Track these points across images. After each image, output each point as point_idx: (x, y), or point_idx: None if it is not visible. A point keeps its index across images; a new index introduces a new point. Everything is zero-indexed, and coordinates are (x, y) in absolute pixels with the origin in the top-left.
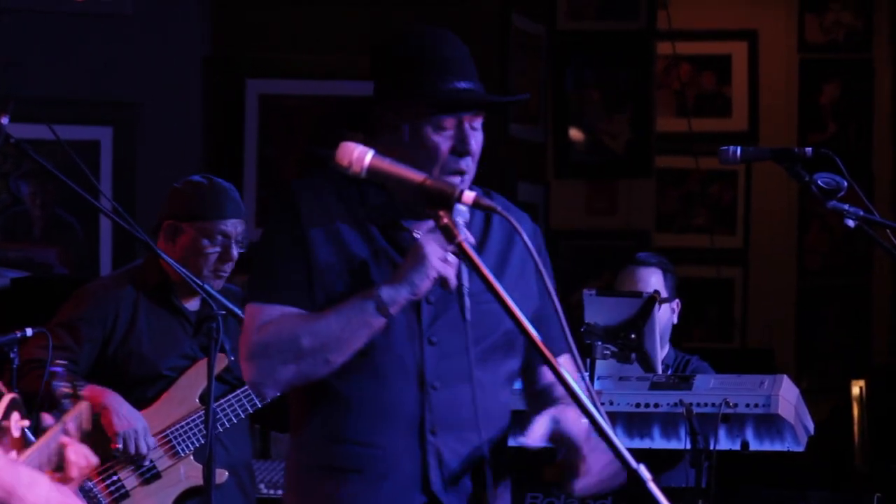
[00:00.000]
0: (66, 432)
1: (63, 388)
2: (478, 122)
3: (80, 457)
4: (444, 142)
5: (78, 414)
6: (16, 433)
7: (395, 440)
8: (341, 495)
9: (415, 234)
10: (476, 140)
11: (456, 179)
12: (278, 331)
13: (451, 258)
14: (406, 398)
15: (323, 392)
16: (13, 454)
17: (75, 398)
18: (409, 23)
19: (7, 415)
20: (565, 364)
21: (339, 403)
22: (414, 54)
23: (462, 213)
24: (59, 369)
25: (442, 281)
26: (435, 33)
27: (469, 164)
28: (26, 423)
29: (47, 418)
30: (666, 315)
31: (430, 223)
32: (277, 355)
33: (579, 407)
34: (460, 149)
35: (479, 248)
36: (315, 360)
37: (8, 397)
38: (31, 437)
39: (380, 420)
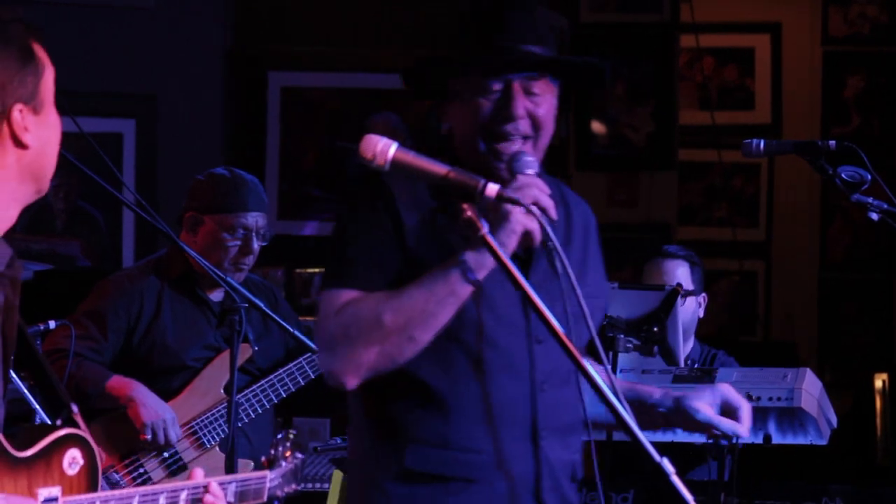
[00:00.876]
0: (208, 490)
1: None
2: (539, 87)
3: None
4: (487, 104)
5: (242, 483)
6: (70, 470)
7: (508, 446)
8: None
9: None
10: (534, 105)
11: (507, 146)
12: (357, 311)
13: (535, 210)
14: (518, 401)
15: (422, 393)
16: (52, 490)
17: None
18: None
19: (58, 446)
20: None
21: (442, 406)
22: (474, 16)
23: (530, 164)
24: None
25: (527, 236)
26: None
27: (520, 129)
28: (82, 461)
29: (197, 472)
30: (691, 308)
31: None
32: (359, 337)
33: (602, 400)
34: (504, 112)
35: (566, 237)
36: (400, 338)
37: (65, 431)
38: (104, 483)
39: (491, 424)
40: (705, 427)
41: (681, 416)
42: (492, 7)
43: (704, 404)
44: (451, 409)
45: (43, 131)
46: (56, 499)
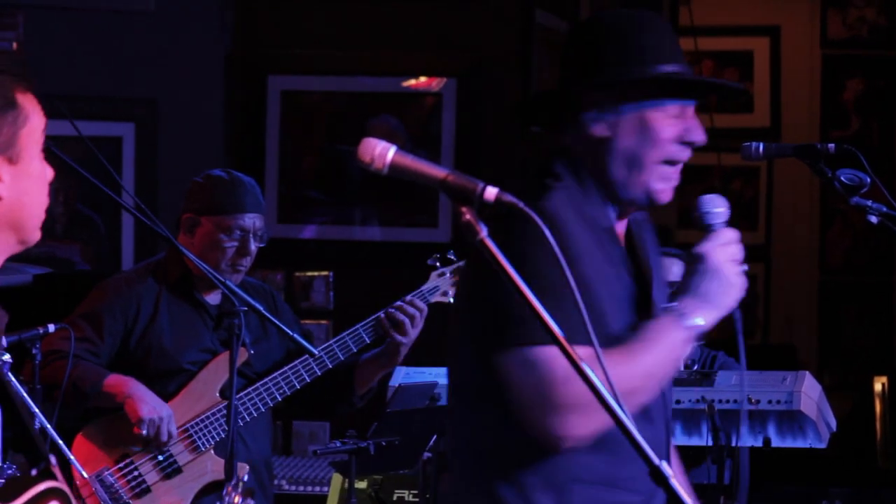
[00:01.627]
0: None
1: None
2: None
3: None
4: (671, 128)
5: None
6: None
7: (653, 488)
8: None
9: (699, 249)
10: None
11: (670, 173)
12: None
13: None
14: (659, 441)
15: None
16: None
17: None
18: (608, 9)
19: (41, 500)
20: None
21: (605, 446)
22: (625, 38)
23: (721, 215)
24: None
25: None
26: (638, 16)
27: (688, 157)
28: None
29: None
30: None
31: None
32: (593, 405)
33: (601, 403)
34: (687, 137)
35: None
36: (630, 401)
37: (47, 484)
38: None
39: (642, 466)
40: None
41: None
42: (645, 30)
43: None
44: (613, 449)
45: (21, 182)
46: None
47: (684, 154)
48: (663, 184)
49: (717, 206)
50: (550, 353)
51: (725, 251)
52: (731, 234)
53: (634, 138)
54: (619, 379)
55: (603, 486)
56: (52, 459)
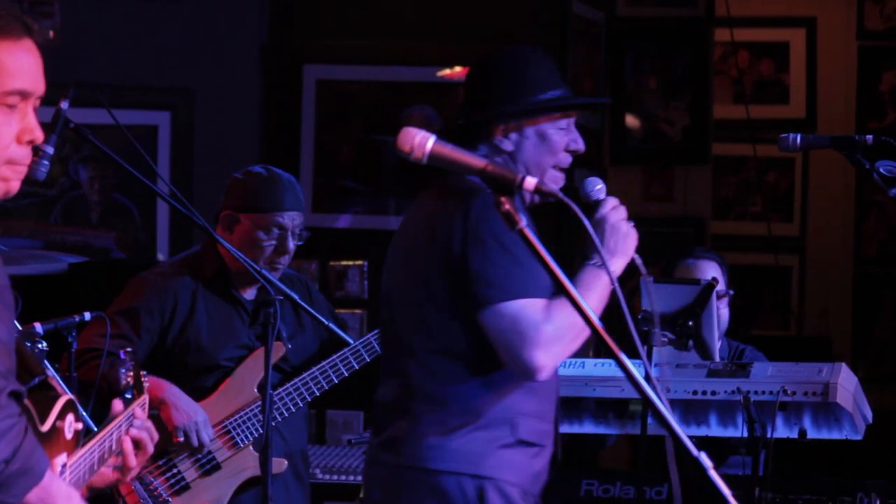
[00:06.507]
0: (133, 420)
1: (128, 377)
2: None
3: (145, 447)
4: (562, 140)
5: (143, 402)
6: (68, 435)
7: (553, 419)
8: None
9: (598, 216)
10: None
11: (558, 177)
12: (566, 317)
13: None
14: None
15: None
16: (63, 457)
17: (138, 389)
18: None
19: (62, 415)
20: None
21: (534, 386)
22: (545, 70)
23: (602, 190)
24: (121, 354)
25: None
26: (521, 54)
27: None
28: (80, 425)
29: (117, 405)
30: (726, 310)
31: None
32: (570, 341)
33: (640, 394)
34: (572, 146)
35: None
36: (583, 339)
37: (64, 398)
38: (93, 427)
39: (552, 402)
40: None
41: None
42: (551, 63)
43: None
44: (538, 388)
45: None
46: (65, 465)
47: (568, 161)
48: (554, 185)
49: (597, 185)
50: (526, 303)
51: (616, 213)
52: (615, 201)
53: (535, 150)
54: (575, 321)
55: (536, 418)
56: (51, 371)
